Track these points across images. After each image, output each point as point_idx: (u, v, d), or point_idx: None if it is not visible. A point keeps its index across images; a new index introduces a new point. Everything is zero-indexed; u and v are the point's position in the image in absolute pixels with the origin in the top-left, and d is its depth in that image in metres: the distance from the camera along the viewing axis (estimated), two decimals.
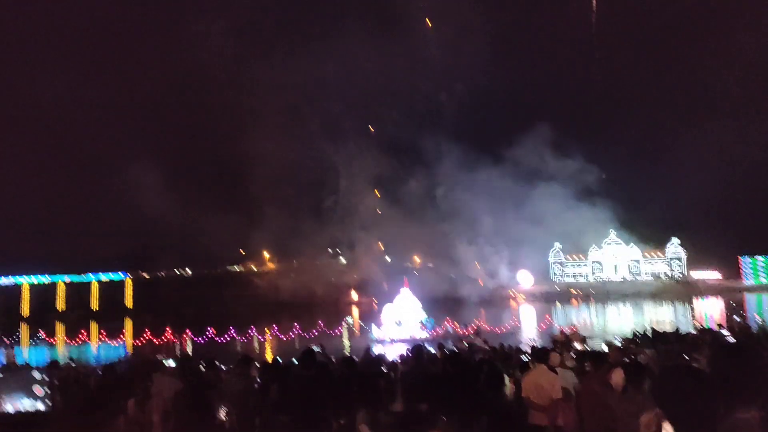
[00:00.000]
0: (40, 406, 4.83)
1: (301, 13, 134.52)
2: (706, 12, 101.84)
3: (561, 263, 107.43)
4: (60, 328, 77.52)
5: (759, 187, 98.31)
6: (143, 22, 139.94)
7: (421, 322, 42.52)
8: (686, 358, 8.86)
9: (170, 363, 17.59)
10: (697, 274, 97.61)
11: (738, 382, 2.53)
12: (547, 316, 54.82)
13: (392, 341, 39.70)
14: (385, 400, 7.31)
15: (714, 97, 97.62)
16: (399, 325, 42.19)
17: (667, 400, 2.11)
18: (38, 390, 4.84)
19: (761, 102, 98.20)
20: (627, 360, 8.19)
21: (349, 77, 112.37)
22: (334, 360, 13.80)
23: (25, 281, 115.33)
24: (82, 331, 56.96)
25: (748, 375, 2.56)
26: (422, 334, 40.79)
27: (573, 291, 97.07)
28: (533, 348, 14.22)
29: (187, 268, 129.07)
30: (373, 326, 43.38)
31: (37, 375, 4.94)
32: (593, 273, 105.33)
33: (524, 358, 13.65)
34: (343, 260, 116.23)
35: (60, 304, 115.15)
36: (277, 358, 20.85)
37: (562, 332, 35.03)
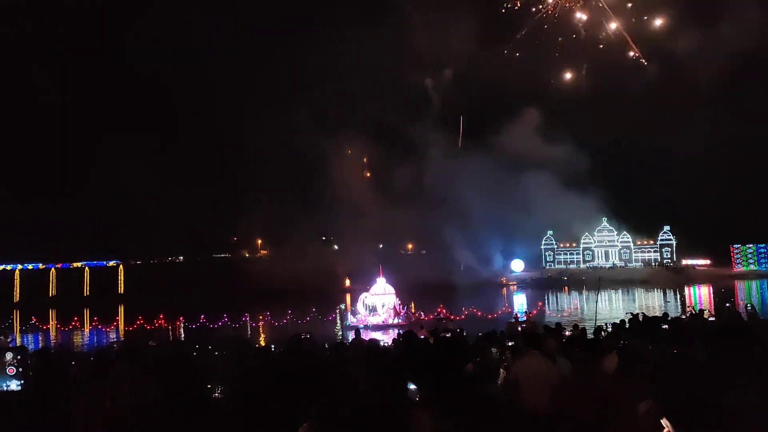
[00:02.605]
0: (14, 387, 4.84)
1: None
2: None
3: (553, 250, 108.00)
4: (53, 314, 77.30)
5: (750, 175, 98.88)
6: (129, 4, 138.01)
7: (395, 309, 43.64)
8: (677, 344, 8.89)
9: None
10: (688, 262, 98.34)
11: (735, 366, 2.49)
12: (540, 303, 55.14)
13: (366, 328, 40.44)
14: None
15: (705, 85, 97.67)
16: (373, 313, 43.16)
17: (664, 389, 2.06)
18: (10, 370, 4.86)
19: (752, 90, 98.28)
20: (619, 346, 8.20)
21: (338, 64, 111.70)
22: (326, 346, 13.82)
23: (17, 267, 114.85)
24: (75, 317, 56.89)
25: (744, 359, 2.52)
26: (396, 321, 42.37)
27: (564, 278, 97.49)
28: (526, 334, 14.22)
29: (179, 256, 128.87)
30: (348, 314, 44.28)
31: (9, 356, 4.95)
32: (585, 260, 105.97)
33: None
34: (335, 247, 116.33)
35: (52, 290, 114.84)
36: (271, 345, 20.83)
37: (516, 320, 35.34)
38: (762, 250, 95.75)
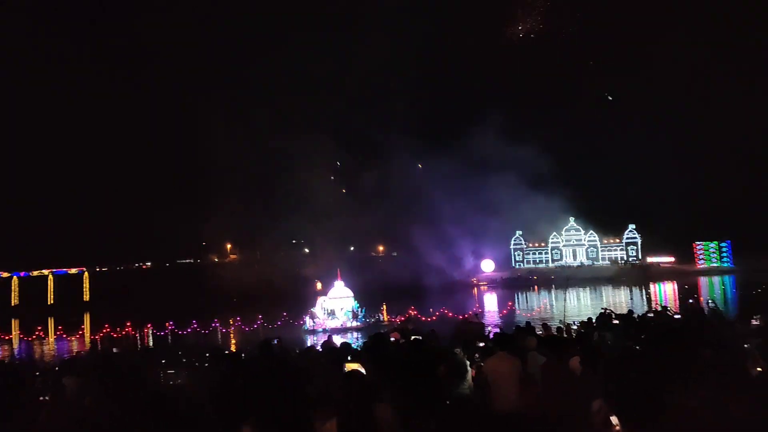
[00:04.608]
0: None
1: (254, 8, 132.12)
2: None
3: (522, 250, 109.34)
4: (15, 324, 75.25)
5: (712, 174, 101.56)
6: (96, 15, 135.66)
7: (353, 312, 43.78)
8: (633, 340, 9.09)
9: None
10: (653, 259, 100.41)
11: (674, 364, 2.61)
12: (510, 303, 55.72)
13: (325, 331, 40.33)
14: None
15: (668, 85, 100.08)
16: (332, 316, 43.20)
17: (615, 388, 2.14)
18: None
19: (715, 90, 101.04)
20: (584, 346, 8.38)
21: (302, 70, 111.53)
22: (297, 351, 13.78)
23: None
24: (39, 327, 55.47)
25: (683, 358, 2.64)
26: (354, 324, 42.74)
27: (533, 277, 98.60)
28: (495, 334, 14.37)
29: (146, 261, 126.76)
30: (307, 318, 44.25)
31: None
32: (553, 259, 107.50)
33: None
34: (306, 250, 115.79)
35: (14, 299, 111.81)
36: (240, 351, 20.64)
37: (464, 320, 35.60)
38: (724, 247, 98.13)
